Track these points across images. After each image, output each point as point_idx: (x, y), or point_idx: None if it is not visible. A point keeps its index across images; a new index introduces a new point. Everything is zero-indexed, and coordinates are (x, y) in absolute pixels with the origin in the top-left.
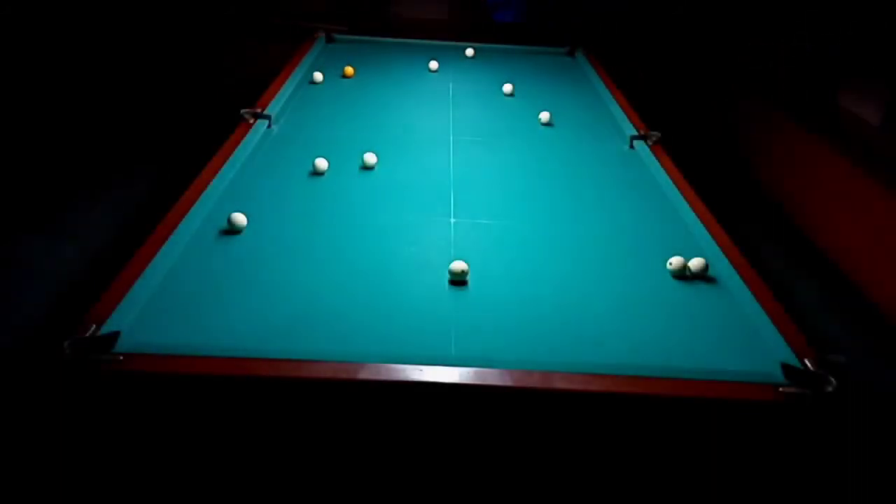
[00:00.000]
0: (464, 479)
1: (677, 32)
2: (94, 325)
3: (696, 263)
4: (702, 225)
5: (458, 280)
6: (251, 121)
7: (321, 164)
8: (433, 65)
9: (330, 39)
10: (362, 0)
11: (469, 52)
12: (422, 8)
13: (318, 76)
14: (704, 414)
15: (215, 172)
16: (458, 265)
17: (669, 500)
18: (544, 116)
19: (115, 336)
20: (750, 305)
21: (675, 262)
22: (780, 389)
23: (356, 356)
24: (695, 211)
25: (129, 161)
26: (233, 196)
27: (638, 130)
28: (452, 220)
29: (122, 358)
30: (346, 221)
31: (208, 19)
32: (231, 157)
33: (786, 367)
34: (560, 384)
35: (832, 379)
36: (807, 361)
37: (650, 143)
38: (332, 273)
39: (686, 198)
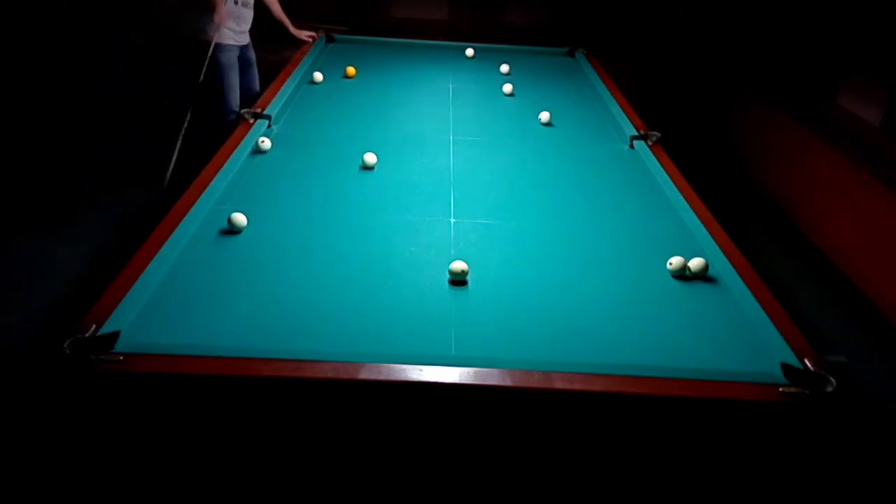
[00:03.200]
0: (464, 479)
1: (677, 32)
2: (94, 325)
3: (696, 263)
4: (702, 225)
5: (458, 280)
6: (251, 121)
7: (263, 141)
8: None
9: (330, 39)
10: (362, 1)
11: (469, 52)
12: (422, 8)
13: (318, 76)
14: (704, 414)
15: (215, 172)
16: (458, 265)
17: (670, 500)
18: (544, 116)
19: (115, 336)
20: (750, 305)
21: (675, 262)
22: (781, 390)
23: (356, 356)
24: (695, 211)
25: (128, 161)
26: (233, 196)
27: (638, 130)
28: (452, 220)
29: (122, 358)
30: (347, 221)
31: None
32: (231, 157)
33: (786, 368)
34: (560, 384)
35: (832, 379)
36: (807, 362)
37: (650, 143)
38: (333, 273)
39: (686, 198)
